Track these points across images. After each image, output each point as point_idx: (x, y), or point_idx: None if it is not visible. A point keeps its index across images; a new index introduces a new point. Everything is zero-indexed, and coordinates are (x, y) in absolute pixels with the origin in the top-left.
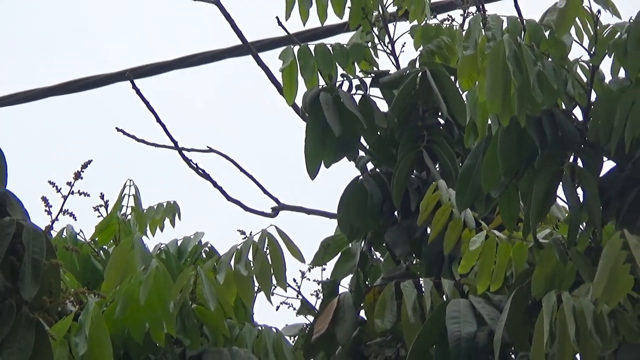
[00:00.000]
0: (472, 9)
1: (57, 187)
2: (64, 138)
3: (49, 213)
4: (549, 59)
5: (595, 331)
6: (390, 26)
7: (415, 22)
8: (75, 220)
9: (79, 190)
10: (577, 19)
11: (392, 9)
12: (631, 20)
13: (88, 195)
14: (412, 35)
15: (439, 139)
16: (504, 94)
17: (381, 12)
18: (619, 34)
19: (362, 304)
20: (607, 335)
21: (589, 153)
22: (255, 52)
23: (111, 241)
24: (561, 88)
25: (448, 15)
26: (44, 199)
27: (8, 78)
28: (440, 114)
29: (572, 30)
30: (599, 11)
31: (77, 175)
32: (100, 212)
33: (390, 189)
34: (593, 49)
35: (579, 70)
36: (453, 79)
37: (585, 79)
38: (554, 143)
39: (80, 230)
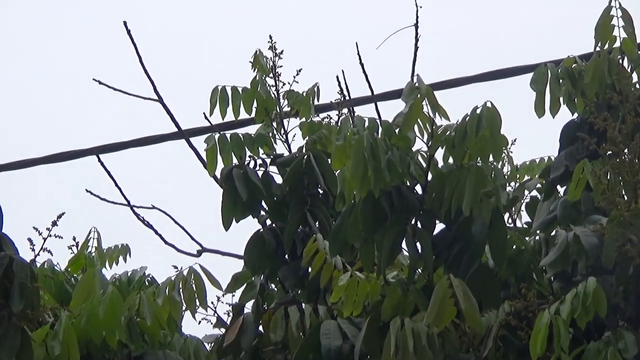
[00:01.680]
0: (345, 110)
1: (39, 231)
2: (47, 197)
3: (33, 250)
4: (397, 149)
5: (427, 346)
6: (285, 121)
7: (303, 119)
8: (52, 255)
9: (55, 234)
10: (418, 120)
11: (286, 109)
12: (458, 122)
13: (62, 237)
14: (300, 128)
15: (318, 204)
16: (362, 174)
17: (278, 111)
18: (448, 132)
19: (260, 322)
20: (437, 350)
21: (426, 218)
22: (187, 137)
23: (80, 271)
24: (405, 170)
25: (327, 114)
26: (30, 240)
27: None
28: (319, 185)
29: (416, 128)
30: (434, 115)
31: (54, 223)
32: (72, 250)
33: (282, 239)
34: (430, 142)
35: (419, 158)
36: (329, 161)
37: (424, 164)
38: (400, 209)
39: (57, 263)
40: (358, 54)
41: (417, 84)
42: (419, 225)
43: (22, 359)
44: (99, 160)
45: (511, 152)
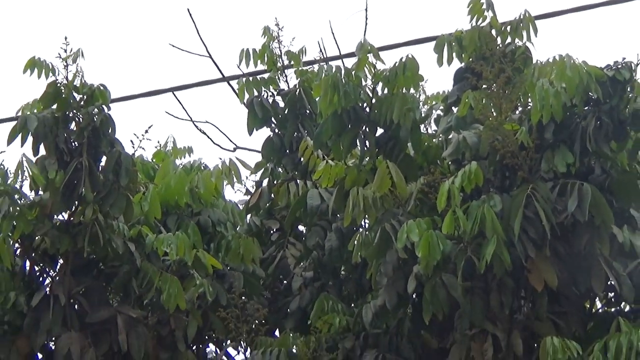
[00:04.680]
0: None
1: (136, 136)
2: (144, 118)
3: (133, 147)
4: (352, 84)
5: (372, 205)
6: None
7: (295, 68)
8: (145, 150)
9: (146, 138)
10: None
11: (286, 62)
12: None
13: (150, 140)
14: (294, 73)
15: (306, 119)
16: (330, 99)
17: (281, 63)
18: (384, 72)
19: (272, 191)
20: (378, 207)
21: (371, 126)
22: (228, 80)
23: (161, 161)
24: (357, 96)
25: (311, 65)
26: (131, 141)
27: None
28: (307, 107)
29: (366, 70)
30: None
31: (146, 131)
32: (159, 148)
33: (284, 140)
34: (373, 79)
35: (367, 89)
36: (312, 93)
37: (370, 93)
38: (354, 121)
39: (146, 157)
40: (332, 30)
41: (365, 43)
42: (367, 130)
43: (126, 213)
44: (175, 96)
45: (425, 86)
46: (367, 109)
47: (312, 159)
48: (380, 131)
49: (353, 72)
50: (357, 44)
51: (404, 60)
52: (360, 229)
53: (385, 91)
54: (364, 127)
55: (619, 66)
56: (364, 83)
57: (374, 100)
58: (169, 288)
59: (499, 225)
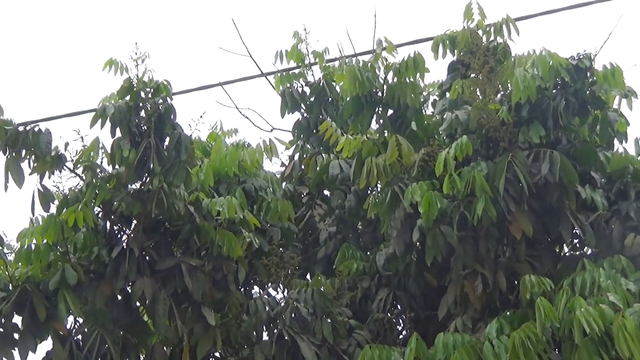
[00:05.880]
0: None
1: (193, 119)
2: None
3: (191, 129)
4: (369, 72)
5: (383, 172)
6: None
7: (320, 65)
8: (200, 132)
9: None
10: (379, 59)
11: (313, 60)
12: (401, 60)
13: (204, 123)
14: (319, 68)
15: (328, 104)
16: (352, 84)
17: (308, 61)
18: (395, 64)
19: (302, 164)
20: (388, 173)
21: (384, 107)
22: (266, 76)
23: (213, 140)
24: (373, 83)
25: (332, 62)
26: (189, 125)
27: None
28: (329, 94)
29: (379, 63)
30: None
31: (200, 116)
32: (211, 130)
33: (310, 121)
34: (386, 69)
35: (380, 78)
36: (333, 83)
37: (382, 81)
38: (370, 103)
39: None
40: (347, 34)
41: (382, 41)
42: (380, 111)
43: (186, 182)
44: (223, 89)
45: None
46: (380, 94)
47: (334, 135)
48: (390, 112)
49: (369, 64)
50: (377, 41)
51: (412, 55)
52: (374, 191)
53: (395, 80)
54: (377, 109)
55: (581, 57)
56: (378, 73)
57: (386, 87)
58: (227, 241)
59: (487, 186)
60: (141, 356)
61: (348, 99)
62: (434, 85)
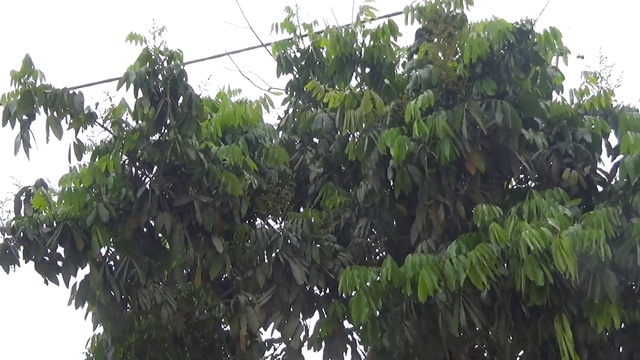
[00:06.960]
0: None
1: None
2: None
3: (200, 89)
4: (349, 38)
5: (359, 120)
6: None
7: (309, 34)
8: (208, 91)
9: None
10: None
11: (303, 31)
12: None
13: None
14: (308, 36)
15: (316, 66)
16: (334, 46)
17: (300, 32)
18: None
19: (295, 117)
20: (364, 121)
21: (363, 65)
22: (265, 46)
23: (219, 98)
24: (352, 45)
25: (319, 33)
26: (199, 86)
27: None
28: (316, 58)
29: (358, 29)
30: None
31: (207, 79)
32: (219, 90)
33: (301, 82)
34: (363, 34)
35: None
36: (320, 49)
37: (360, 45)
38: (351, 61)
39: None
40: (332, 10)
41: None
42: (358, 68)
43: (197, 134)
44: (230, 58)
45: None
46: (359, 54)
47: (320, 91)
48: (367, 70)
49: (350, 30)
50: (359, 8)
51: (386, 23)
52: (354, 138)
53: (372, 43)
54: (357, 67)
55: (524, 21)
56: (357, 37)
57: (364, 50)
58: (231, 181)
59: (449, 128)
60: (163, 278)
61: (333, 58)
62: (403, 50)
